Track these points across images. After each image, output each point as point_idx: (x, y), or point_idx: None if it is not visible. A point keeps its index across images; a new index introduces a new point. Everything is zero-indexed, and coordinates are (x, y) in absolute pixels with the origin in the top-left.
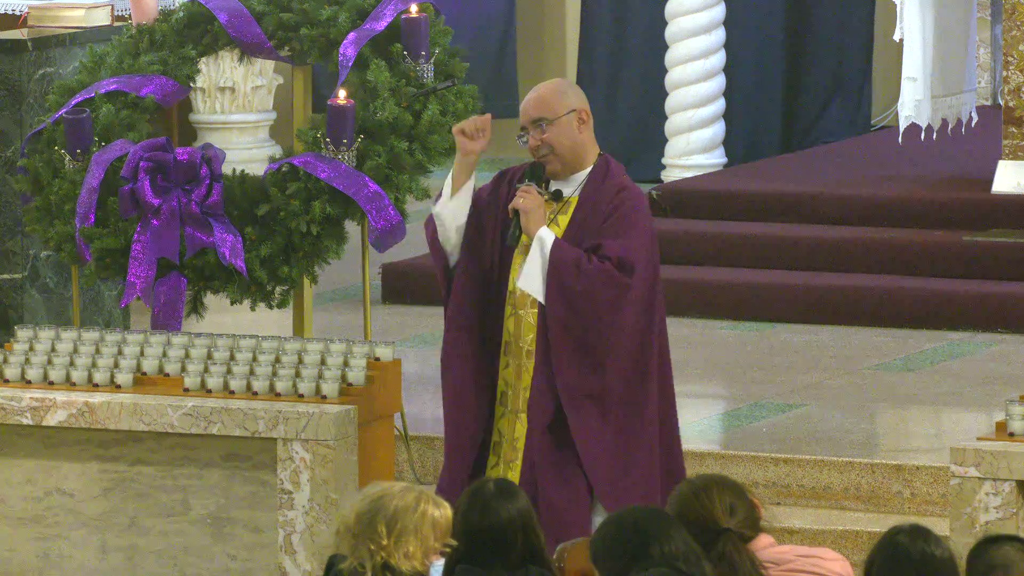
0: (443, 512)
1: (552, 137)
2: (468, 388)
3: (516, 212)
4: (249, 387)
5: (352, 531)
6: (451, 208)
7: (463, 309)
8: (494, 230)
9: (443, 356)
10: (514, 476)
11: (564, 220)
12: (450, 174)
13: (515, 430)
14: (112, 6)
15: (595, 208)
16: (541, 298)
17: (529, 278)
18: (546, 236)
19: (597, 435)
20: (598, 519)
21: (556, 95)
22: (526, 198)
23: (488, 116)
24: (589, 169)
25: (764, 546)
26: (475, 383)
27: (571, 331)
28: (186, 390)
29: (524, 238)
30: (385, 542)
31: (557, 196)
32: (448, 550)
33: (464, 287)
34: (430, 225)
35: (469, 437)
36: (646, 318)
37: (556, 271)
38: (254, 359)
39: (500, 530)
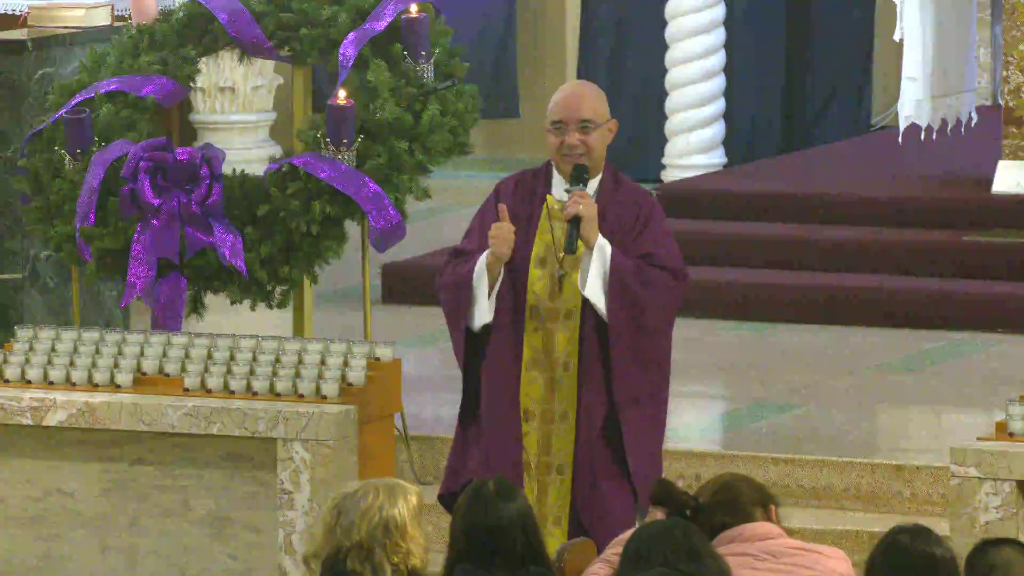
0: (408, 503)
1: (593, 141)
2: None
3: (575, 219)
4: (249, 387)
5: (364, 545)
6: (482, 311)
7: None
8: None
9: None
10: (564, 492)
11: None
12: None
13: (551, 445)
14: (112, 6)
15: (619, 214)
16: (603, 306)
17: (593, 287)
18: (606, 245)
19: (647, 437)
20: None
21: (602, 102)
22: (585, 205)
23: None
24: (600, 177)
25: (764, 535)
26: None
27: (627, 339)
28: (186, 390)
29: (581, 246)
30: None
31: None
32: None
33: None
34: (451, 293)
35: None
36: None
37: (619, 280)
38: (254, 359)
39: (500, 530)
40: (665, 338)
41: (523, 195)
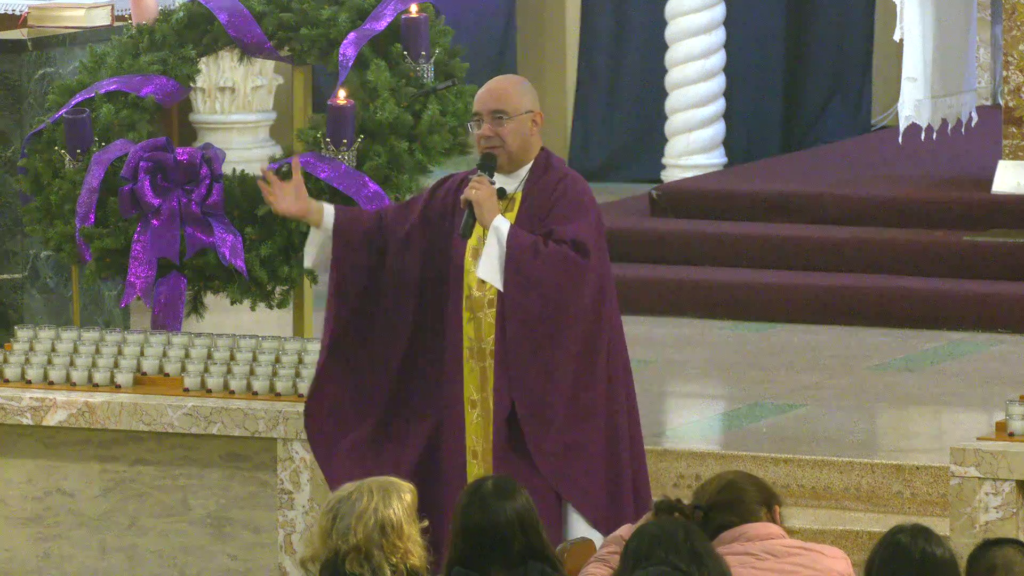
0: (403, 502)
1: (506, 132)
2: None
3: (469, 204)
4: (249, 387)
5: (361, 548)
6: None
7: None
8: (445, 238)
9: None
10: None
11: (511, 217)
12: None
13: (490, 434)
14: (112, 6)
15: (539, 200)
16: (500, 286)
17: (488, 268)
18: (501, 224)
19: (554, 435)
20: (572, 515)
21: (518, 93)
22: (479, 189)
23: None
24: (530, 164)
25: (765, 535)
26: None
27: (529, 317)
28: (186, 390)
29: (478, 229)
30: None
31: (501, 194)
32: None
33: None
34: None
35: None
36: (597, 304)
37: (514, 257)
38: (254, 359)
39: (498, 529)
40: (576, 320)
41: (460, 191)
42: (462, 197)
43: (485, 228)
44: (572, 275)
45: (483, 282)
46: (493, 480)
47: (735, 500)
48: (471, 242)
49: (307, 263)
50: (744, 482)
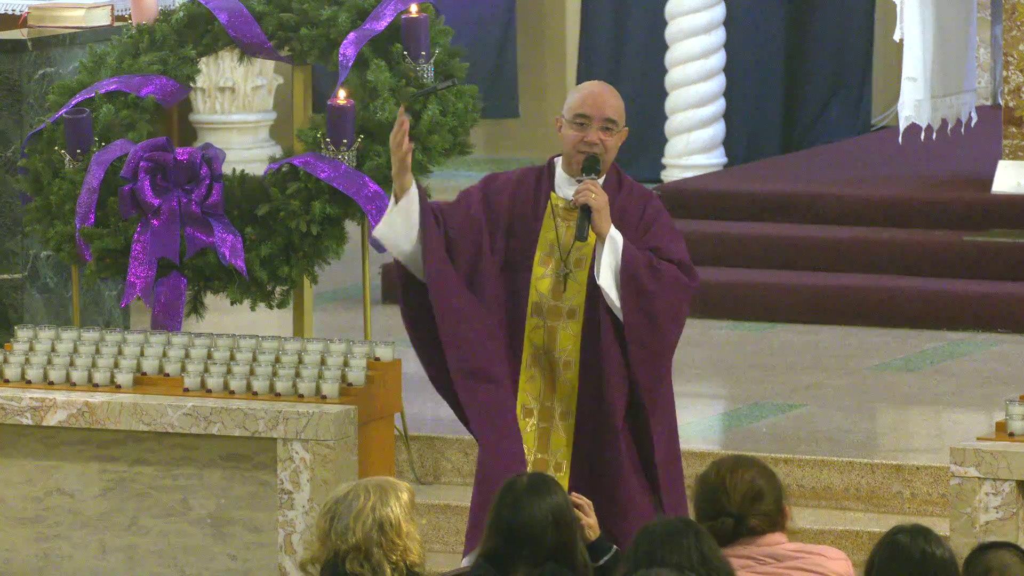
0: (400, 500)
1: (612, 143)
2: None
3: (585, 208)
4: (249, 387)
5: (361, 547)
6: (403, 208)
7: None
8: (504, 239)
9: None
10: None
11: None
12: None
13: (549, 443)
14: (112, 6)
15: (624, 212)
16: (615, 296)
17: (605, 276)
18: (617, 236)
19: (666, 432)
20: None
21: (623, 109)
22: (598, 194)
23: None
24: (603, 178)
25: (772, 543)
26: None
27: (640, 330)
28: (186, 390)
29: (592, 236)
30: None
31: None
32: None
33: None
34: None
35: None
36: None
37: (630, 271)
38: (254, 359)
39: (529, 527)
40: (675, 336)
41: (525, 193)
42: (578, 199)
43: (602, 235)
44: (681, 294)
45: (559, 291)
46: (528, 477)
47: (762, 510)
48: (541, 248)
49: (381, 232)
50: (763, 483)
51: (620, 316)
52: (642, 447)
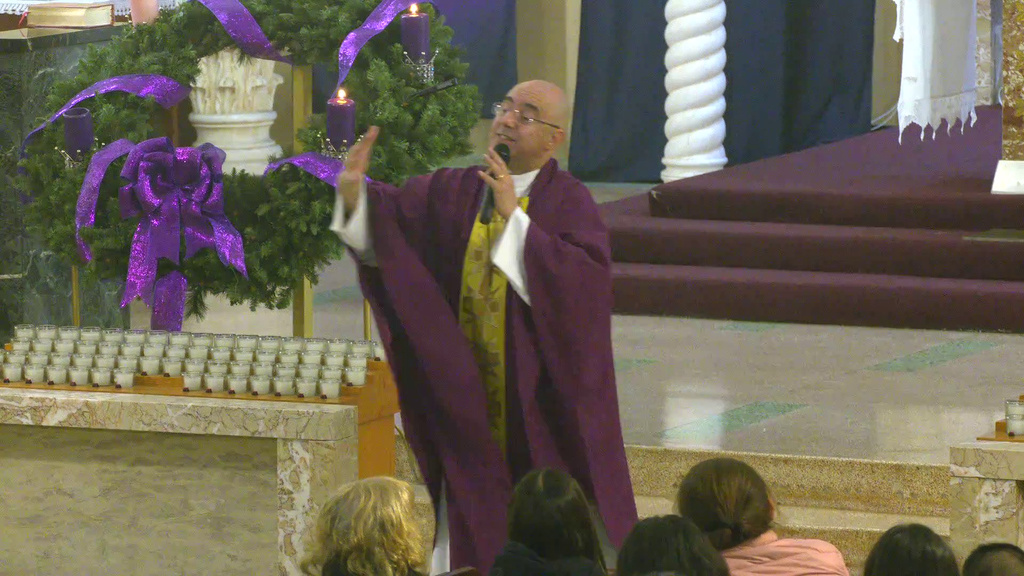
0: (401, 500)
1: (526, 131)
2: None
3: (490, 190)
4: (249, 387)
5: (362, 547)
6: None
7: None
8: (451, 227)
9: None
10: None
11: None
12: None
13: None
14: (112, 6)
15: (549, 204)
16: (517, 280)
17: (505, 258)
18: (522, 217)
19: (599, 426)
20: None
21: (555, 102)
22: (502, 177)
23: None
24: (536, 172)
25: (765, 543)
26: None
27: (549, 317)
28: (186, 390)
29: (499, 219)
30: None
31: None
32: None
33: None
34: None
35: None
36: (608, 315)
37: (533, 253)
38: (254, 359)
39: (555, 529)
40: (594, 326)
41: (467, 187)
42: (483, 176)
43: (505, 217)
44: (588, 278)
45: (486, 285)
46: (544, 476)
47: (754, 514)
48: (473, 243)
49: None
50: (752, 488)
51: (526, 299)
52: (569, 438)
